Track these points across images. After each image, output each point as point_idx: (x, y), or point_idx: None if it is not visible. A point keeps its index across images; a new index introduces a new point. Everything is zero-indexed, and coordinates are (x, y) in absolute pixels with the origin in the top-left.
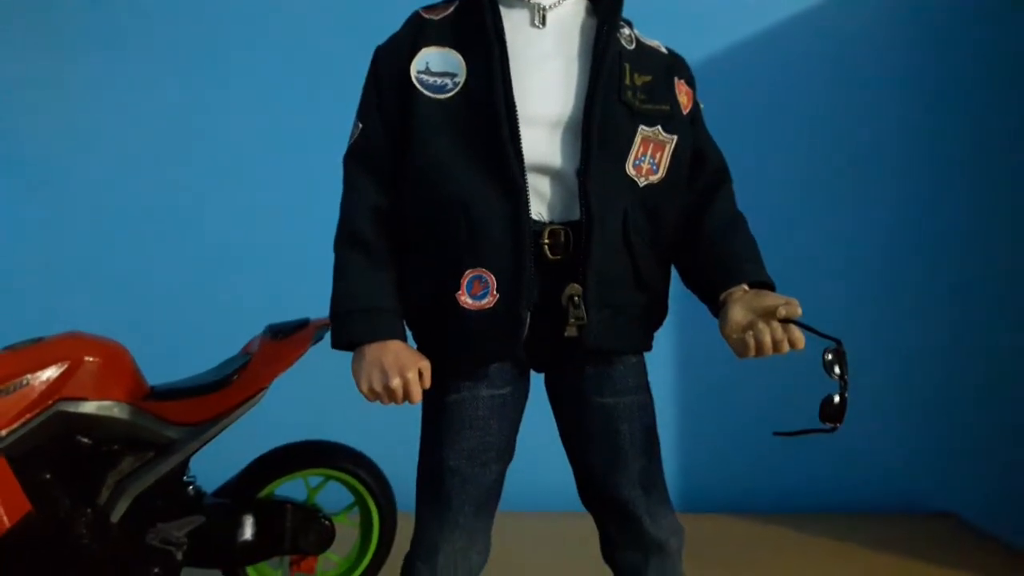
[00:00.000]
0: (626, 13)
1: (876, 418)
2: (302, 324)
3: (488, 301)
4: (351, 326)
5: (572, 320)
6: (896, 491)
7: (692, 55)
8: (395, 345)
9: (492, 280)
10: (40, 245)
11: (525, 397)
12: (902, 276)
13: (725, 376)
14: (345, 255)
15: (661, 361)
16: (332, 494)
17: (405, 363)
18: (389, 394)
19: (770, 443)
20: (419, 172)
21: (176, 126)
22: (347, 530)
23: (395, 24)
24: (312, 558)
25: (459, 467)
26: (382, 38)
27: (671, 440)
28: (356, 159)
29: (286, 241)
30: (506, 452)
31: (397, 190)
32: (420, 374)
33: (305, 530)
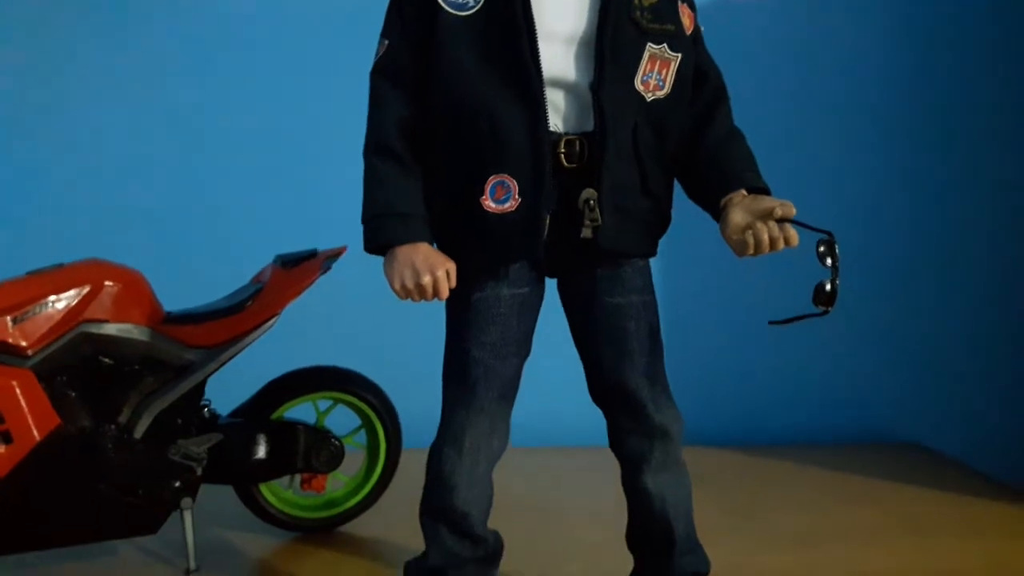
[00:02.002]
0: None
1: (846, 357)
2: (311, 254)
3: (510, 205)
4: (384, 230)
5: (588, 222)
6: (864, 423)
7: None
8: (425, 247)
9: (514, 185)
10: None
11: (541, 299)
12: (881, 216)
13: (705, 319)
14: (376, 164)
15: None
16: (340, 418)
17: (434, 263)
18: (420, 291)
19: (750, 383)
20: (444, 85)
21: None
22: (354, 454)
23: None
24: (322, 477)
25: (483, 358)
26: None
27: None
28: (383, 74)
29: (286, 176)
30: (524, 346)
31: (422, 103)
32: (447, 274)
33: (316, 450)
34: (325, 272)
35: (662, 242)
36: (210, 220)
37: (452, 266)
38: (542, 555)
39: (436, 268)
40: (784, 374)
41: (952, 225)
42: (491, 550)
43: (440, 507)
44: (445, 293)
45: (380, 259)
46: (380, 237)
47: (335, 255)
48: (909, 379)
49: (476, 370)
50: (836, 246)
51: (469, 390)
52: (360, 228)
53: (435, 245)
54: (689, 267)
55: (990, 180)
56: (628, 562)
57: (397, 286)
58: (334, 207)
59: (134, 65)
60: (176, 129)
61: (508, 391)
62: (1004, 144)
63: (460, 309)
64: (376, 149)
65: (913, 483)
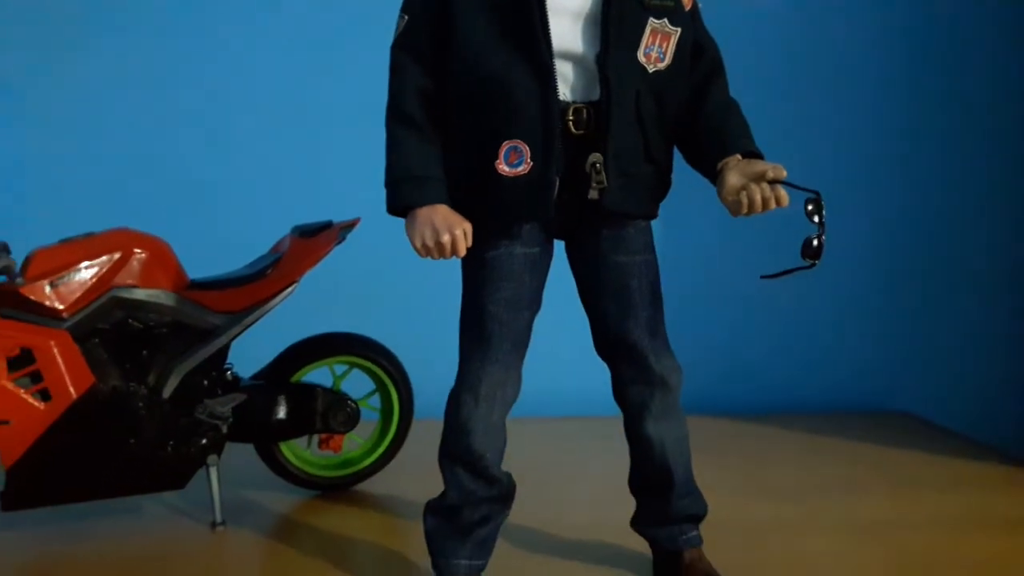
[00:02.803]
0: None
1: (840, 328)
2: (327, 225)
3: (523, 168)
4: (406, 192)
5: (594, 184)
6: (858, 393)
7: None
8: (443, 208)
9: (526, 150)
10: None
11: (550, 258)
12: (873, 196)
13: (708, 299)
14: (397, 131)
15: None
16: (356, 382)
17: (453, 223)
18: (439, 249)
19: (747, 353)
20: (460, 56)
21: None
22: (367, 416)
23: None
24: (339, 437)
25: (498, 312)
26: None
27: None
28: (403, 47)
29: (300, 161)
30: (535, 302)
31: (439, 74)
32: (464, 233)
33: (334, 411)
34: (340, 242)
35: (665, 209)
36: (230, 191)
37: (468, 226)
38: (550, 506)
39: (454, 227)
40: (783, 349)
41: (943, 209)
42: (504, 490)
43: (458, 450)
44: (463, 251)
45: (393, 230)
46: (401, 200)
47: (350, 226)
48: (901, 353)
49: (491, 324)
50: (823, 204)
51: (485, 342)
52: (373, 198)
53: (453, 206)
54: (692, 243)
55: (980, 168)
56: (630, 510)
57: (418, 244)
58: (348, 179)
59: (165, 29)
60: (196, 110)
61: (520, 343)
62: (990, 136)
63: (476, 267)
64: (397, 117)
65: (900, 446)
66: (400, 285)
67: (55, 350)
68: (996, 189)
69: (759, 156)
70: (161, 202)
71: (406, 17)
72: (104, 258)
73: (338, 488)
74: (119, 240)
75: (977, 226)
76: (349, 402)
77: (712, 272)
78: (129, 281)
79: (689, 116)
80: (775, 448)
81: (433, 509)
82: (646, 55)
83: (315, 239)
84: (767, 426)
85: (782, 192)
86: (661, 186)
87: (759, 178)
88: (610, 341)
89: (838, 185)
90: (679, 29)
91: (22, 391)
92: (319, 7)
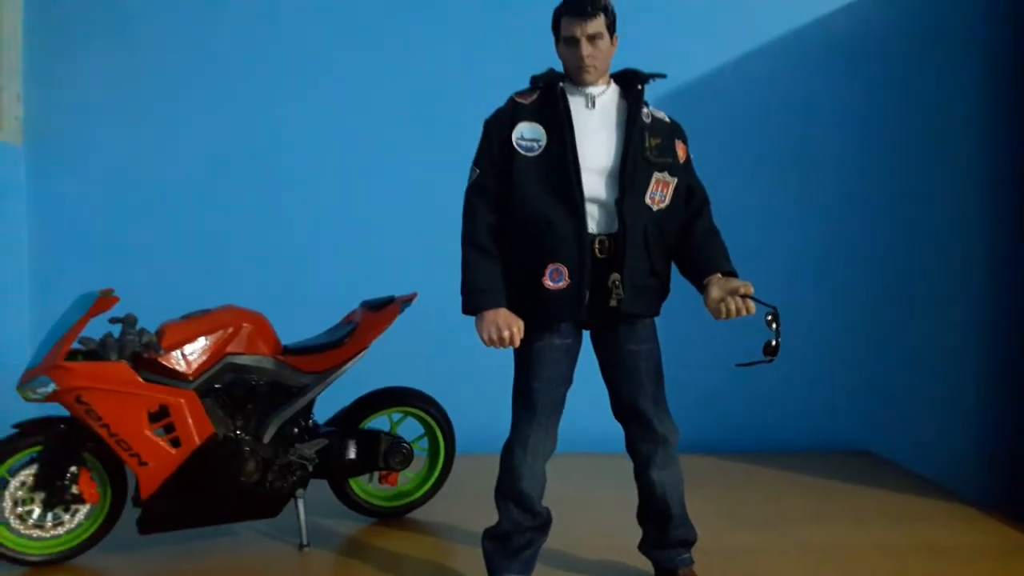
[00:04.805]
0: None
1: (801, 373)
2: (390, 300)
3: (563, 284)
4: (477, 300)
5: (614, 295)
6: (824, 434)
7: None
8: (504, 311)
9: (565, 270)
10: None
11: (580, 346)
12: (828, 263)
13: (698, 359)
14: (471, 255)
15: None
16: (407, 428)
17: (511, 322)
18: (500, 341)
19: (718, 396)
20: (518, 201)
21: (263, 124)
22: (418, 455)
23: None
24: (395, 474)
25: (541, 387)
26: None
27: None
28: (475, 192)
29: (359, 241)
30: (568, 380)
31: (501, 213)
32: (519, 329)
33: (393, 453)
34: (401, 313)
35: (667, 306)
36: (303, 270)
37: (521, 324)
38: (575, 532)
39: (512, 325)
40: (761, 399)
41: (905, 263)
42: (544, 520)
43: (510, 490)
44: (517, 343)
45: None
46: (473, 305)
47: (409, 300)
48: (866, 397)
49: (536, 396)
50: (779, 317)
51: (531, 409)
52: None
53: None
54: (683, 322)
55: (940, 217)
56: (637, 535)
57: (485, 337)
58: (406, 260)
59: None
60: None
61: (557, 409)
62: (938, 174)
63: (526, 354)
64: (471, 243)
65: (858, 482)
66: (444, 346)
67: (185, 407)
68: (954, 241)
69: (734, 274)
70: (249, 277)
71: (478, 170)
72: (220, 332)
73: (394, 516)
74: (230, 316)
75: (940, 284)
76: (404, 445)
77: (703, 347)
78: (238, 349)
79: (683, 241)
80: (751, 483)
81: (489, 535)
82: (651, 198)
83: (381, 312)
84: (745, 463)
85: (751, 304)
86: (663, 292)
87: (734, 292)
88: (624, 409)
89: (801, 246)
90: (676, 179)
91: (159, 439)
92: (417, 100)
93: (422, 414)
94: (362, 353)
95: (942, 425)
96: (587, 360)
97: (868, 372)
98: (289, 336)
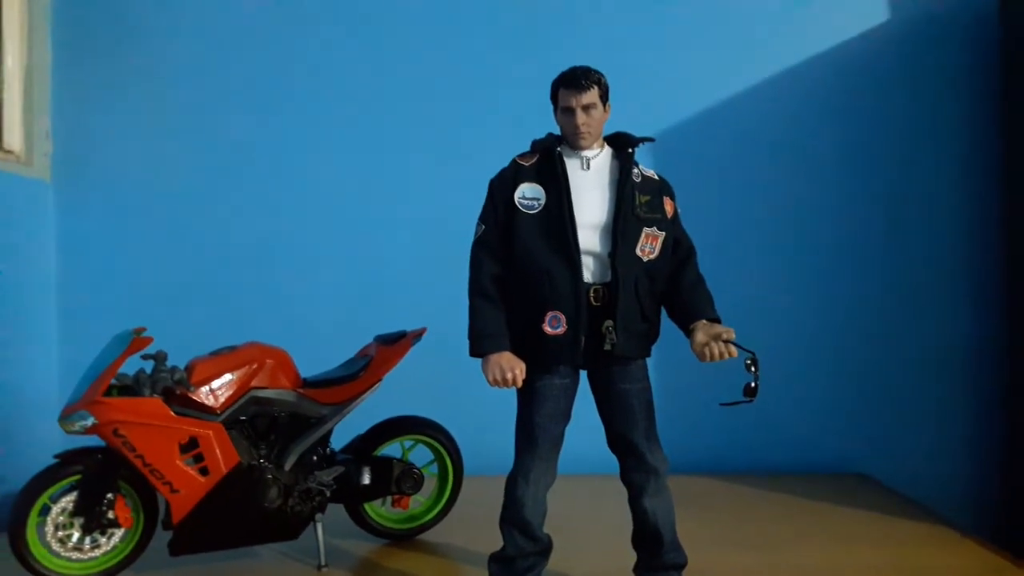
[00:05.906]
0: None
1: (798, 398)
2: (402, 335)
3: (561, 330)
4: (483, 344)
5: (608, 340)
6: (816, 455)
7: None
8: (507, 355)
9: (563, 318)
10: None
11: (577, 385)
12: (823, 288)
13: (688, 390)
14: (477, 302)
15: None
16: (418, 454)
17: (514, 365)
18: (504, 382)
19: (708, 421)
20: (519, 254)
21: (278, 152)
22: (428, 479)
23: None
24: (407, 498)
25: (542, 423)
26: None
27: None
28: (480, 246)
29: (366, 269)
30: (567, 416)
31: (505, 264)
32: (521, 371)
33: (405, 478)
34: (412, 347)
35: (661, 347)
36: (316, 305)
37: (523, 366)
38: (573, 554)
39: (515, 368)
40: (758, 422)
41: (902, 293)
42: (545, 546)
43: (514, 518)
44: (520, 384)
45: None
46: (479, 349)
47: (419, 335)
48: (862, 422)
49: (537, 431)
50: (758, 361)
51: (533, 443)
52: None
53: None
54: (675, 362)
55: (931, 253)
56: (632, 558)
57: (490, 379)
58: (416, 297)
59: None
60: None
61: (557, 443)
62: (927, 206)
63: (528, 393)
64: (477, 292)
65: (851, 505)
66: (452, 377)
67: (213, 438)
68: (945, 275)
69: (718, 320)
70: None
71: (483, 226)
72: (245, 367)
73: (406, 538)
74: (254, 353)
75: (932, 310)
76: (415, 470)
77: (691, 379)
78: (263, 383)
79: (671, 289)
80: (745, 505)
81: (496, 559)
82: (641, 250)
83: (395, 346)
84: (740, 485)
85: (732, 348)
86: (652, 336)
87: (717, 337)
88: (618, 442)
89: (792, 279)
90: (664, 232)
91: (190, 468)
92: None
93: (432, 441)
94: (377, 385)
95: (933, 449)
96: (585, 395)
97: (860, 396)
98: (308, 365)
